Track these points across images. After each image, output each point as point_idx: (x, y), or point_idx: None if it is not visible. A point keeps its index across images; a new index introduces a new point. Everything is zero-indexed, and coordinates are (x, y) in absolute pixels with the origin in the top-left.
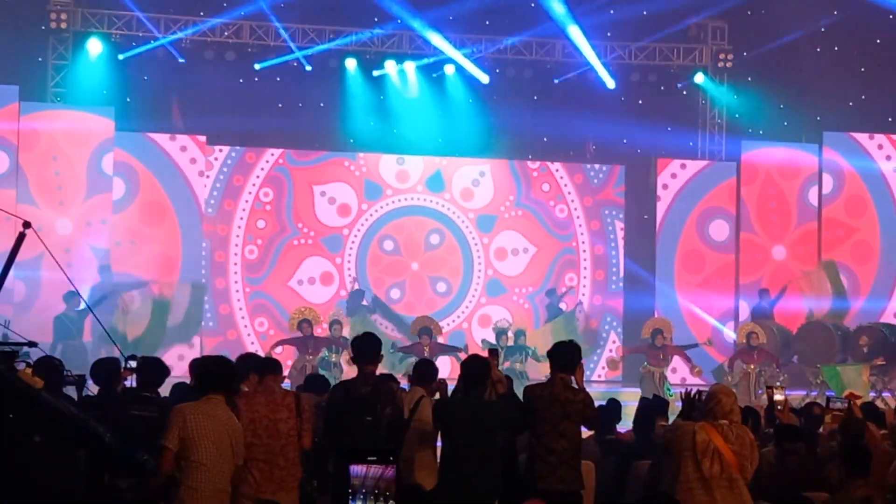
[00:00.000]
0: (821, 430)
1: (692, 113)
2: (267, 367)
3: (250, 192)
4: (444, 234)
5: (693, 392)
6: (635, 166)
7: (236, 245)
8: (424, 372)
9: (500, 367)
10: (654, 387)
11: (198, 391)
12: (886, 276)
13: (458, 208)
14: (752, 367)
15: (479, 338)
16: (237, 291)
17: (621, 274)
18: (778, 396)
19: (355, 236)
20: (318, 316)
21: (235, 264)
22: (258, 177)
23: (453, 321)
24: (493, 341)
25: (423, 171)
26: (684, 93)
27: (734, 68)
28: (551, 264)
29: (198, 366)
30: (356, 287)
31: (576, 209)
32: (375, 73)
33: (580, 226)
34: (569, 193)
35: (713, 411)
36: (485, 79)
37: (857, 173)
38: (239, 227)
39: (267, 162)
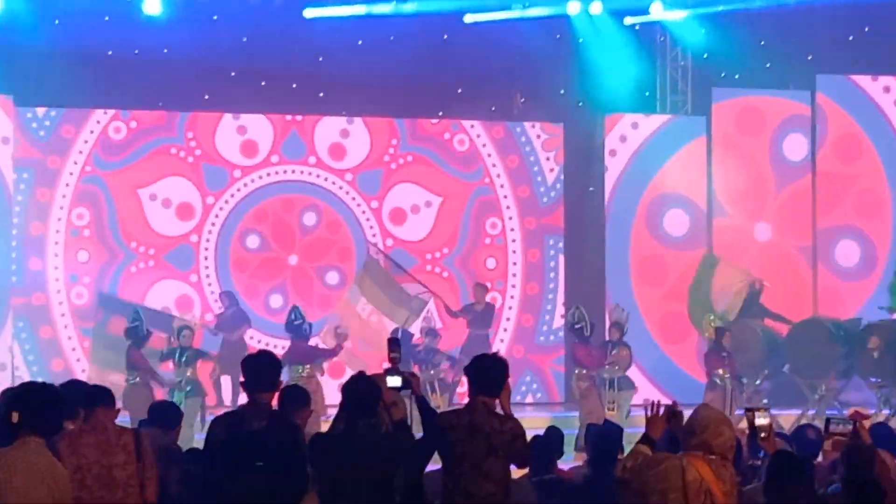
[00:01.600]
0: (819, 459)
1: (648, 54)
2: (96, 397)
3: (75, 163)
4: (319, 210)
5: (657, 405)
6: (576, 125)
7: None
8: (295, 397)
9: (402, 368)
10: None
11: (8, 433)
12: None
13: (329, 172)
14: (724, 372)
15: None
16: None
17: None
18: (761, 420)
19: (207, 241)
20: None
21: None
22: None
23: None
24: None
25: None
26: (637, 28)
27: None
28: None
29: (10, 398)
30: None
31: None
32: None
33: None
34: (492, 166)
35: (707, 443)
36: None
37: (844, 112)
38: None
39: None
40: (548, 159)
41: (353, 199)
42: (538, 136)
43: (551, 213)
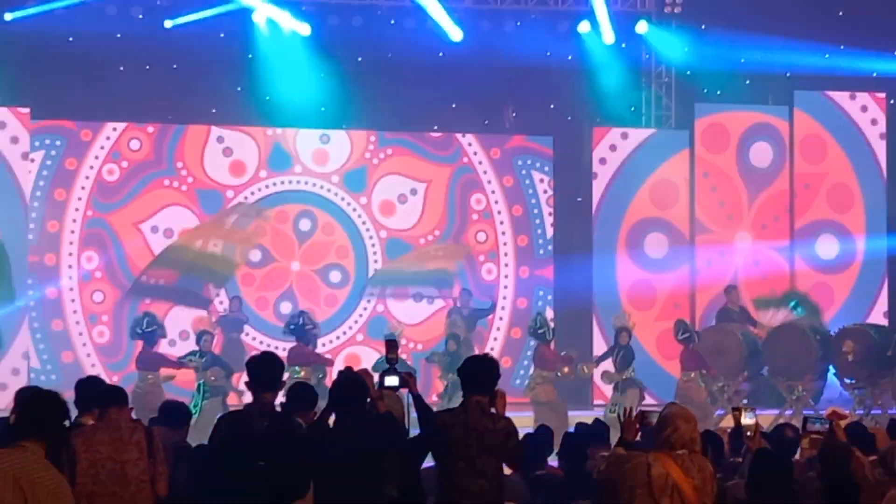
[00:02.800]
0: (797, 456)
1: (634, 70)
2: (110, 396)
3: (91, 168)
4: (313, 215)
5: (630, 410)
6: (565, 137)
7: (70, 254)
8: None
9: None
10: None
11: (12, 433)
12: (875, 216)
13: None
14: (693, 374)
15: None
16: (74, 311)
17: (548, 235)
18: (747, 419)
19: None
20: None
21: (70, 277)
22: (102, 147)
23: (363, 311)
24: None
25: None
26: (623, 45)
27: (684, 14)
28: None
29: (20, 399)
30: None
31: (493, 191)
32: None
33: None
34: (480, 163)
35: (669, 440)
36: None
37: (806, 115)
38: (74, 221)
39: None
40: (541, 181)
41: (343, 199)
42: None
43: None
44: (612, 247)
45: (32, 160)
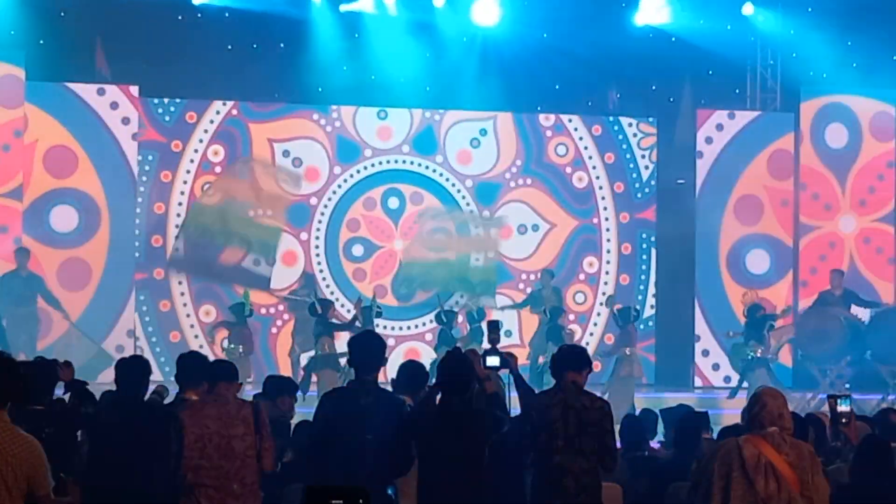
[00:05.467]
0: None
1: (739, 52)
2: (219, 372)
3: (196, 151)
4: (398, 191)
5: None
6: (668, 119)
7: (177, 226)
8: (411, 376)
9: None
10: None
11: None
12: None
13: (452, 175)
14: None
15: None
16: (180, 283)
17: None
18: (842, 407)
19: (325, 206)
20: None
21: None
22: (206, 131)
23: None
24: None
25: (411, 127)
26: (729, 27)
27: None
28: (566, 245)
29: None
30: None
31: (598, 176)
32: (344, 7)
33: (600, 188)
34: (590, 158)
35: (759, 418)
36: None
37: None
38: (180, 204)
39: (218, 113)
40: (643, 157)
41: (469, 205)
42: (634, 135)
43: (646, 209)
44: (716, 231)
45: (141, 143)
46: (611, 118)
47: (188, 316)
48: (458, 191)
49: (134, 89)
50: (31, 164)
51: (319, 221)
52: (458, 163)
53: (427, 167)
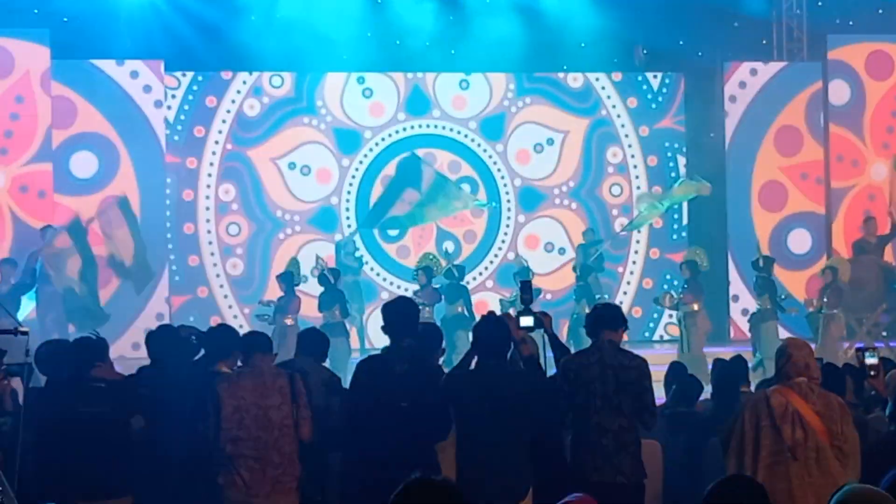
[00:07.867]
0: None
1: (765, 3)
2: (254, 343)
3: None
4: (448, 159)
5: None
6: (696, 73)
7: (208, 186)
8: (431, 336)
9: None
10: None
11: None
12: None
13: (453, 123)
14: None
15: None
16: (209, 242)
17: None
18: (871, 359)
19: (347, 202)
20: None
21: (208, 209)
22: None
23: (495, 255)
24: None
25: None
26: None
27: None
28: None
29: None
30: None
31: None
32: None
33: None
34: (619, 116)
35: (786, 370)
36: None
37: None
38: (212, 165)
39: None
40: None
41: (479, 145)
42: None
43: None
44: (747, 188)
45: (170, 107)
46: (639, 77)
47: (215, 265)
48: (465, 136)
49: (157, 63)
50: None
51: (347, 219)
52: (454, 108)
53: (427, 126)
